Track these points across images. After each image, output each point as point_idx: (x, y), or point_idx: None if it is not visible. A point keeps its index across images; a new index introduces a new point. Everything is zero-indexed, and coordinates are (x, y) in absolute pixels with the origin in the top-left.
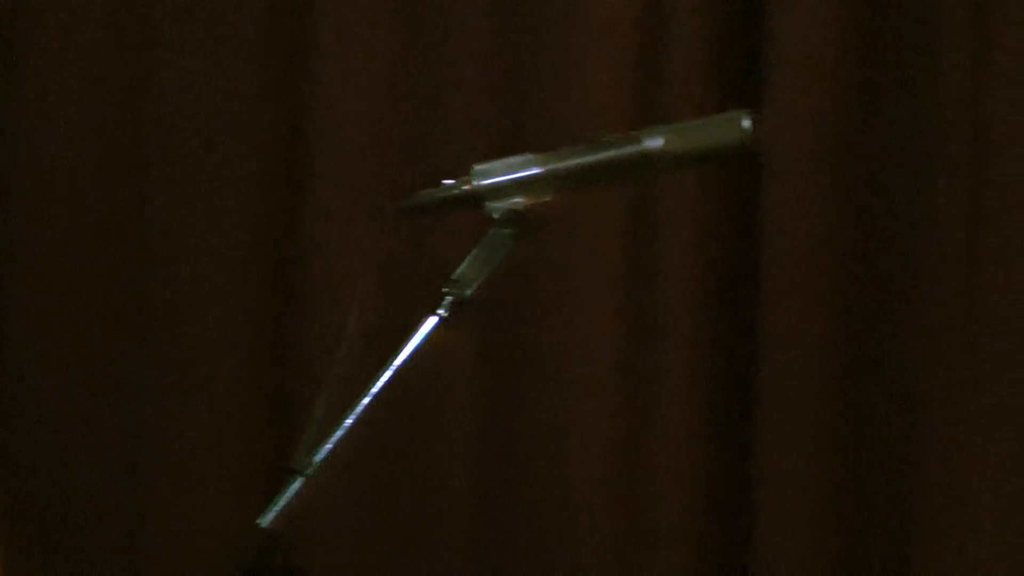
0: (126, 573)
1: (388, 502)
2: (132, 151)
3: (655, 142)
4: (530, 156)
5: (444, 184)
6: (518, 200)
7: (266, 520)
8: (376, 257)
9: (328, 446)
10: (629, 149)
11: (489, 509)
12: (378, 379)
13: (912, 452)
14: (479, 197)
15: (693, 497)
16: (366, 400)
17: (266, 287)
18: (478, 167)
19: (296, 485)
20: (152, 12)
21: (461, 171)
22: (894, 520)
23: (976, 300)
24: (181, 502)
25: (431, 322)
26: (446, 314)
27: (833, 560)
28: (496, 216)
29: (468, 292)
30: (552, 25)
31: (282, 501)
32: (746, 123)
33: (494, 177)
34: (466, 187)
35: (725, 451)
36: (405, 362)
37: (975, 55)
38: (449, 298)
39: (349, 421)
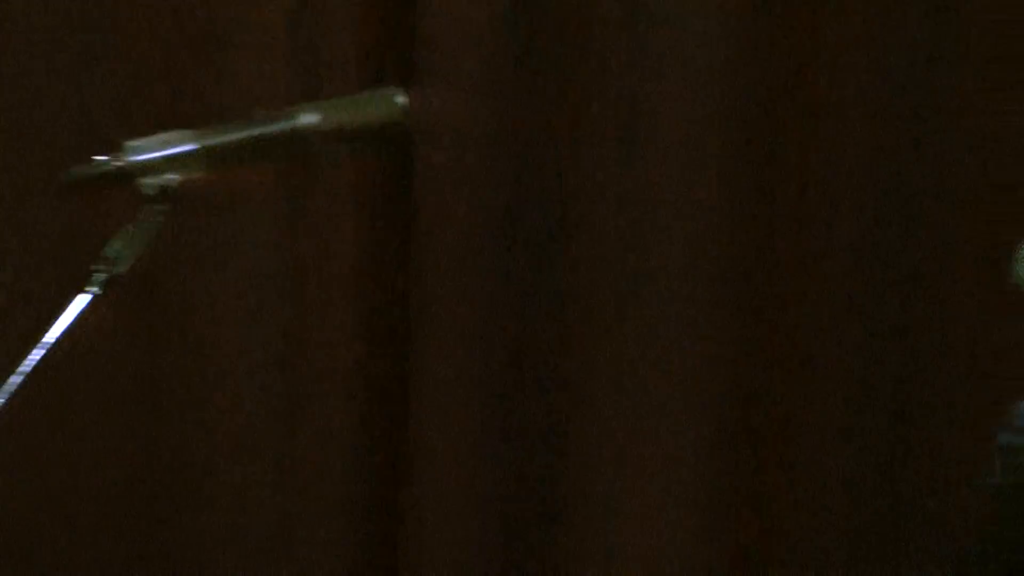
0: None
1: (32, 485)
2: None
3: (310, 118)
4: (184, 132)
5: (96, 160)
6: (172, 177)
7: None
8: (26, 235)
9: None
10: (284, 125)
11: (140, 493)
12: (29, 358)
13: (562, 442)
14: (132, 173)
15: (346, 488)
16: (17, 380)
17: None
18: (130, 143)
19: None
20: None
21: (115, 147)
22: (545, 508)
23: (627, 294)
24: None
25: (83, 300)
26: (98, 291)
27: (485, 548)
28: (149, 193)
29: (120, 269)
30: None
31: None
32: (401, 99)
33: (147, 153)
34: (118, 163)
35: (379, 441)
36: (57, 341)
37: (630, 45)
38: (101, 275)
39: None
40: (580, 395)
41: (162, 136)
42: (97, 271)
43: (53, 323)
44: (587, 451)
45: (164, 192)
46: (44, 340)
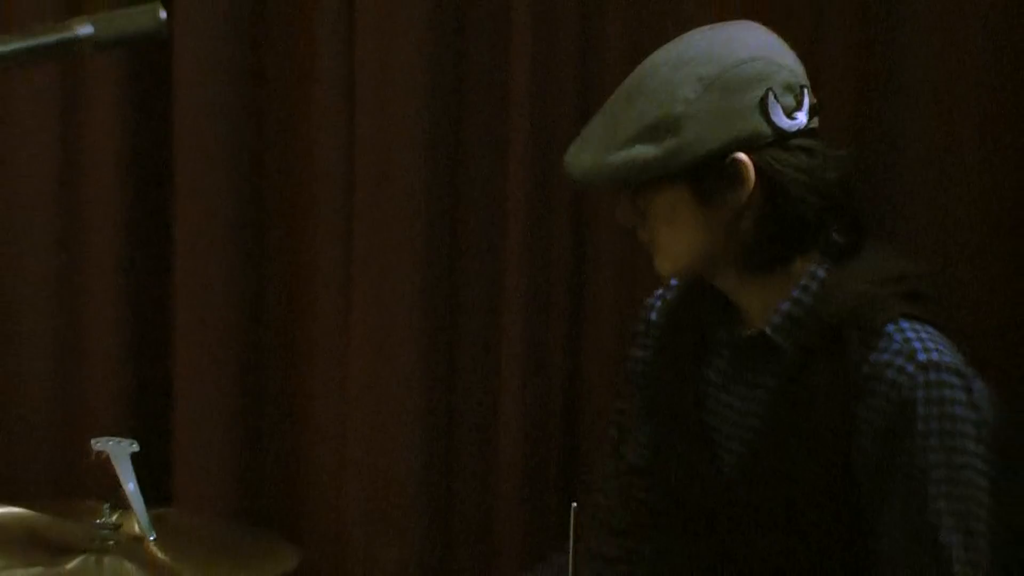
0: None
1: None
2: None
3: (86, 30)
4: None
5: None
6: None
7: None
8: None
9: None
10: (64, 36)
11: None
12: None
13: (298, 364)
14: None
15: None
16: None
17: None
18: None
19: None
20: None
21: None
22: (287, 419)
23: (351, 248)
24: None
25: None
26: None
27: (237, 454)
28: None
29: None
30: None
31: None
32: (162, 13)
33: None
34: None
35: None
36: None
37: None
38: None
39: None
40: (312, 323)
41: None
42: None
43: None
44: (316, 370)
45: None
46: None
